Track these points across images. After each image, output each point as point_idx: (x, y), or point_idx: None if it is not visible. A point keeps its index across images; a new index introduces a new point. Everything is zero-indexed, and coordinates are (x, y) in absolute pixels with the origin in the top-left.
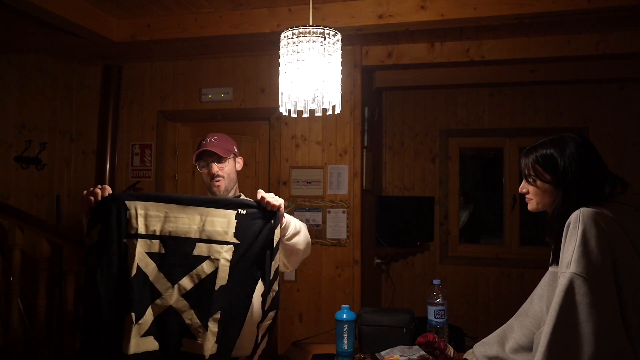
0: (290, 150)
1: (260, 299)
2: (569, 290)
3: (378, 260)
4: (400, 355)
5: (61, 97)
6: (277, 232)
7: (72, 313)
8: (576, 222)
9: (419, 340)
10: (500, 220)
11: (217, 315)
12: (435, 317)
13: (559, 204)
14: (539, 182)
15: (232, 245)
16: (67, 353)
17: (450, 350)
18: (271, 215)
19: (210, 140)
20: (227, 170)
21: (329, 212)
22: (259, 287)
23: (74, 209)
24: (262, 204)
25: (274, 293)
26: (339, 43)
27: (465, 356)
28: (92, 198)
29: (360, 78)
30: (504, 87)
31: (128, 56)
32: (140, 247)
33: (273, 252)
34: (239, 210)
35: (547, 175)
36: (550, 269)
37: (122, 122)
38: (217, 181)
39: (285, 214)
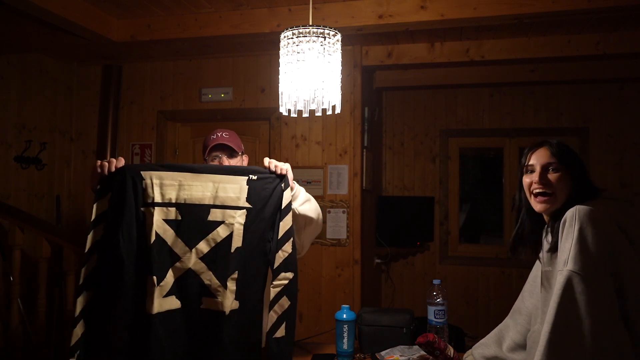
0: (290, 150)
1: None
2: (567, 289)
3: (378, 260)
4: (400, 355)
5: (61, 97)
6: (287, 194)
7: (73, 313)
8: (572, 220)
9: (419, 340)
10: (500, 220)
11: (235, 275)
12: (435, 317)
13: (569, 198)
14: (570, 165)
15: (245, 210)
16: (67, 353)
17: (450, 350)
18: (280, 179)
19: (222, 135)
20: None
21: (329, 212)
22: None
23: (74, 209)
24: (270, 169)
25: (286, 254)
26: (339, 43)
27: (464, 357)
28: (106, 164)
29: (360, 78)
30: (504, 87)
31: (128, 56)
32: (158, 214)
33: (282, 213)
34: (250, 176)
35: (572, 161)
36: (543, 268)
37: (122, 122)
38: None
39: (295, 182)
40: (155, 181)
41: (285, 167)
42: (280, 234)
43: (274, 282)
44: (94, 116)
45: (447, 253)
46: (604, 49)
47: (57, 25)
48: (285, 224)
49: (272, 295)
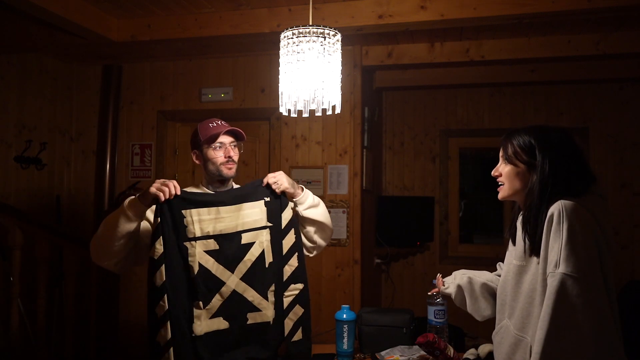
0: (290, 150)
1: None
2: (562, 292)
3: (378, 260)
4: (400, 355)
5: (61, 97)
6: (285, 214)
7: (72, 313)
8: (560, 218)
9: (419, 340)
10: (500, 220)
11: (272, 287)
12: (435, 317)
13: (535, 194)
14: (515, 161)
15: (268, 229)
16: (67, 353)
17: (450, 350)
18: (279, 199)
19: (221, 123)
20: (237, 158)
21: (329, 212)
22: None
23: (74, 209)
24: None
25: (292, 268)
26: (339, 43)
27: (465, 356)
28: (167, 191)
29: (360, 78)
30: (504, 87)
31: (128, 56)
32: (199, 247)
33: (283, 232)
34: (265, 198)
35: (525, 156)
36: (514, 261)
37: (122, 122)
38: (231, 165)
39: (303, 187)
40: (195, 218)
41: (271, 180)
42: (285, 250)
43: (285, 293)
44: (94, 116)
45: (447, 253)
46: (604, 49)
47: (57, 25)
48: (288, 241)
49: (286, 304)
